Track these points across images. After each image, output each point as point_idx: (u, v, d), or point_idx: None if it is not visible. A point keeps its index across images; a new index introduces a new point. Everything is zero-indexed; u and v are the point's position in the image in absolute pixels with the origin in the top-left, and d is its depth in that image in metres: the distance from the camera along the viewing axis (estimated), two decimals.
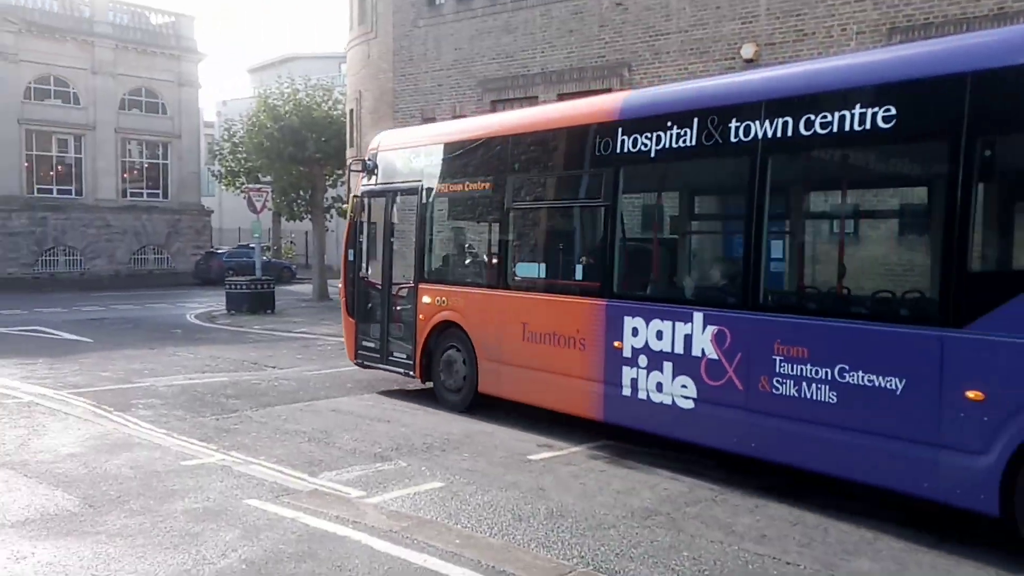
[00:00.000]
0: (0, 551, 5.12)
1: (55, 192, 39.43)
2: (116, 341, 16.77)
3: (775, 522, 6.09)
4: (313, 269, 31.56)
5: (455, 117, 20.97)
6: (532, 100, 19.74)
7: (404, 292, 10.90)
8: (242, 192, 27.90)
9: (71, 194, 39.68)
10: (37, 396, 10.61)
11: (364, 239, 11.66)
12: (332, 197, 31.70)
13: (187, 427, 8.97)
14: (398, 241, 11.30)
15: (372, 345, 11.39)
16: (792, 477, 6.83)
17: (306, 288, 34.04)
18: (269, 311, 23.48)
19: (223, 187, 37.57)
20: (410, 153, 11.04)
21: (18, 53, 37.65)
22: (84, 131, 40.11)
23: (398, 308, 11.07)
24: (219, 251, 41.85)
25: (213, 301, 27.47)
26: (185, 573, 4.88)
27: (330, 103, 30.81)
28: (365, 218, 11.62)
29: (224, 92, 76.37)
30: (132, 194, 41.47)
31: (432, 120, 21.19)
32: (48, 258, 37.95)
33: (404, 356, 10.77)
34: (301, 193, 30.59)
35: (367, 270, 11.71)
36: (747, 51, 15.08)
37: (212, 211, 45.54)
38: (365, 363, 11.55)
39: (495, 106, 20.83)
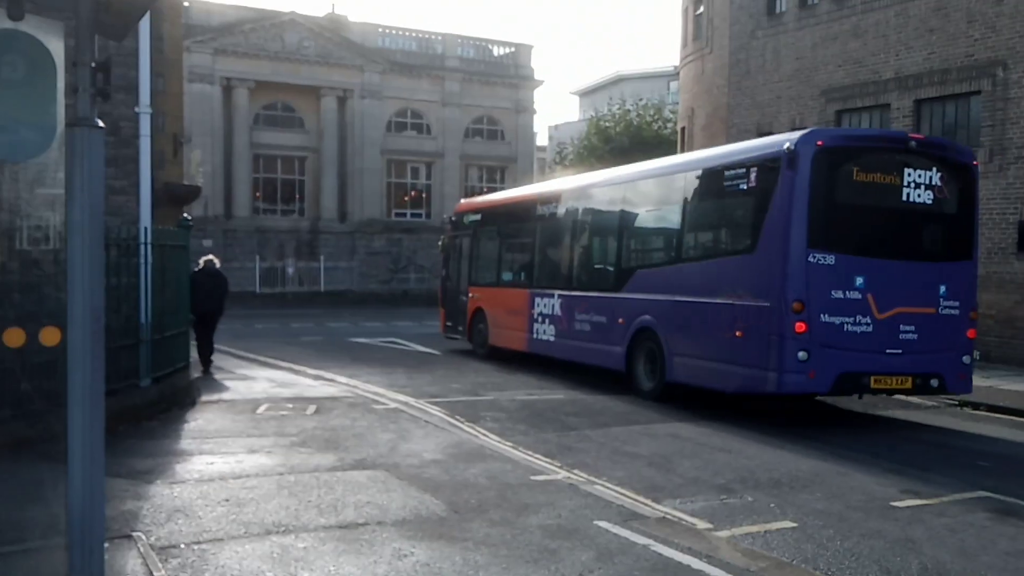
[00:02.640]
0: (385, 547, 5.62)
1: (408, 215, 43.77)
2: (463, 357, 18.03)
3: None
4: None
5: (793, 129, 20.21)
6: (884, 108, 18.40)
7: (463, 292, 18.53)
8: None
9: (421, 217, 43.81)
10: (400, 404, 11.67)
11: (447, 263, 19.80)
12: None
13: (531, 442, 9.34)
14: (462, 263, 19.03)
15: (450, 323, 19.27)
16: None
17: None
18: None
19: None
20: (466, 214, 19.26)
21: (383, 90, 42.30)
22: (434, 159, 44.08)
23: (461, 300, 18.56)
24: None
25: None
26: None
27: (660, 122, 31.07)
28: (448, 252, 19.72)
29: (557, 116, 79.97)
30: None
31: (768, 134, 20.70)
32: (401, 275, 42.14)
33: (461, 328, 18.57)
34: None
35: (450, 280, 19.47)
36: None
37: None
38: (446, 334, 19.52)
39: (840, 117, 19.67)
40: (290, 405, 11.24)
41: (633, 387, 12.63)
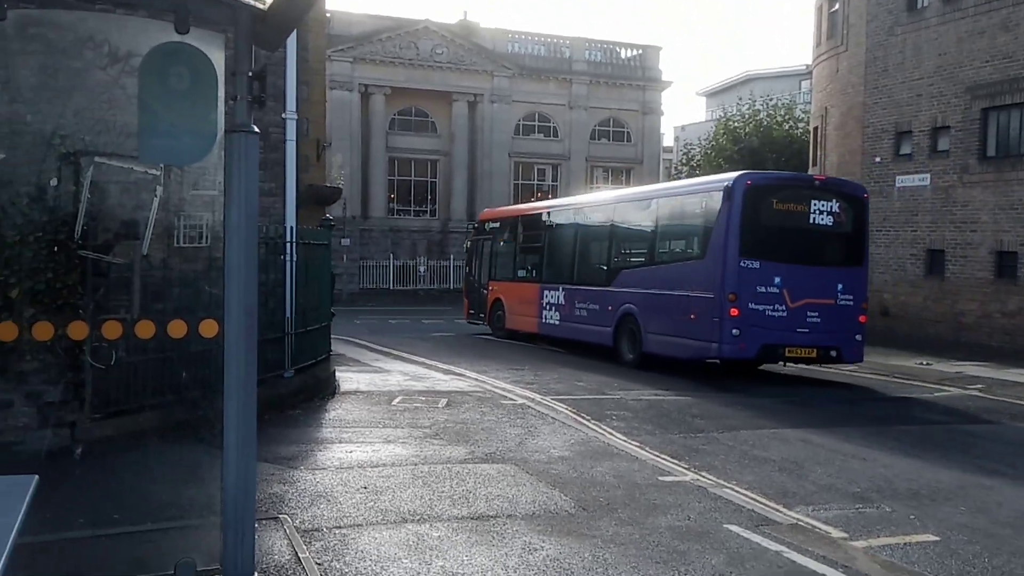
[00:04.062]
0: (516, 541, 5.75)
1: None
2: (587, 359, 18.04)
3: None
4: None
5: (936, 129, 19.37)
6: None
7: (484, 286, 22.46)
8: None
9: None
10: (527, 400, 11.84)
11: (470, 262, 24.03)
12: None
13: (657, 442, 9.30)
14: (483, 262, 22.84)
15: (473, 311, 23.16)
16: None
17: None
18: None
19: None
20: (487, 222, 23.36)
21: (512, 94, 42.83)
22: (560, 161, 44.28)
23: (482, 292, 22.46)
24: None
25: None
26: None
27: (791, 122, 30.14)
28: (471, 253, 23.91)
29: (682, 117, 78.80)
30: None
31: (907, 133, 19.93)
32: None
33: (482, 315, 22.39)
34: None
35: (473, 275, 23.51)
36: None
37: None
38: (469, 320, 23.32)
39: (986, 115, 18.62)
40: (423, 398, 11.59)
41: (617, 358, 16.29)
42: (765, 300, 13.72)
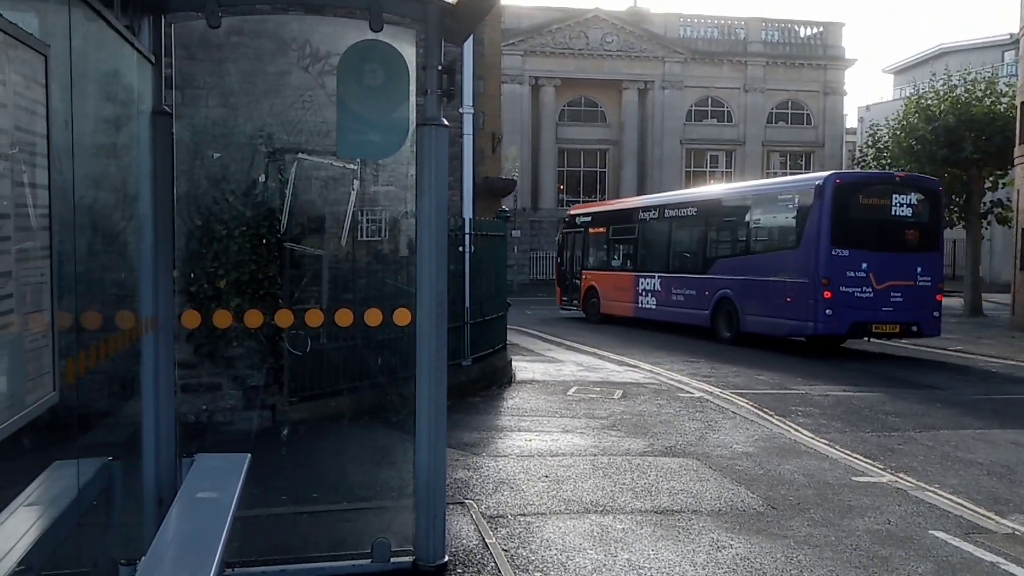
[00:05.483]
0: (703, 537, 5.60)
1: None
2: (763, 351, 17.41)
3: None
4: (965, 281, 28.80)
5: None
6: None
7: (577, 276, 24.39)
8: None
9: None
10: (705, 393, 11.55)
11: (561, 254, 25.83)
12: (990, 201, 28.43)
13: (848, 440, 8.82)
14: (575, 253, 24.79)
15: (566, 299, 25.02)
16: None
17: (952, 302, 31.32)
18: None
19: None
20: (577, 216, 25.47)
21: (683, 80, 42.01)
22: (735, 147, 42.99)
23: (575, 282, 24.41)
24: None
25: None
26: None
27: (992, 97, 27.67)
28: (562, 245, 25.82)
29: (864, 97, 74.62)
30: None
31: None
32: None
33: (576, 302, 24.28)
34: (954, 198, 28.11)
35: (564, 266, 25.42)
36: None
37: None
38: (562, 307, 25.29)
39: None
40: (597, 389, 11.55)
41: (715, 337, 18.20)
42: (854, 283, 15.56)
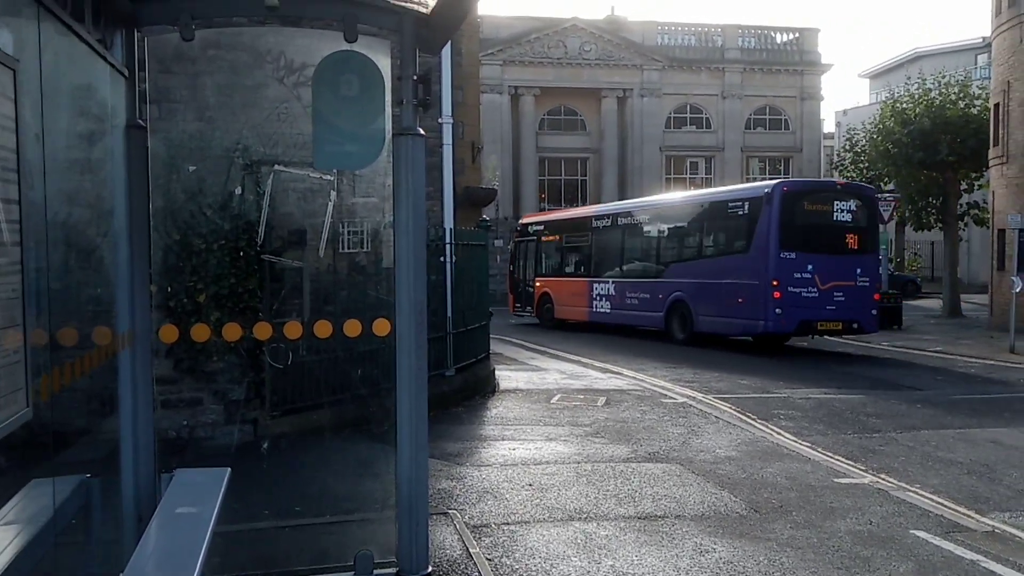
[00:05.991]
0: (686, 542, 5.61)
1: None
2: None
3: None
4: (943, 283, 29.07)
5: None
6: None
7: (530, 283, 24.94)
8: None
9: None
10: (688, 398, 11.58)
11: (513, 261, 26.25)
12: (967, 203, 28.76)
13: (830, 442, 8.88)
14: (528, 261, 25.43)
15: (519, 305, 25.62)
16: None
17: (931, 303, 31.62)
18: (896, 327, 22.31)
19: None
20: (529, 225, 26.12)
21: (662, 87, 42.22)
22: (714, 153, 43.22)
23: (528, 289, 25.01)
24: None
25: None
26: None
27: (966, 100, 27.98)
28: (514, 253, 26.36)
29: (841, 101, 75.30)
30: None
31: None
32: None
33: (529, 308, 24.86)
34: (931, 200, 28.42)
35: (517, 273, 25.88)
36: None
37: None
38: (515, 313, 25.74)
39: None
40: (581, 396, 11.56)
41: (670, 338, 19.12)
42: (801, 284, 16.52)
